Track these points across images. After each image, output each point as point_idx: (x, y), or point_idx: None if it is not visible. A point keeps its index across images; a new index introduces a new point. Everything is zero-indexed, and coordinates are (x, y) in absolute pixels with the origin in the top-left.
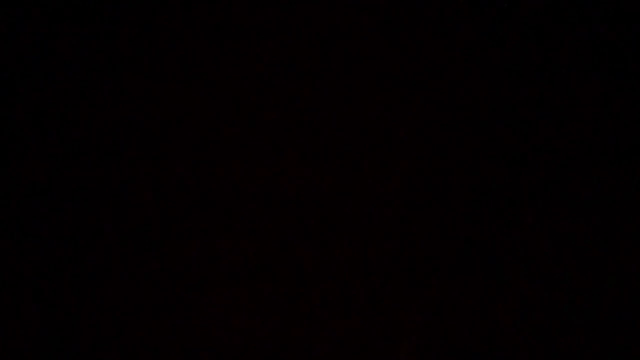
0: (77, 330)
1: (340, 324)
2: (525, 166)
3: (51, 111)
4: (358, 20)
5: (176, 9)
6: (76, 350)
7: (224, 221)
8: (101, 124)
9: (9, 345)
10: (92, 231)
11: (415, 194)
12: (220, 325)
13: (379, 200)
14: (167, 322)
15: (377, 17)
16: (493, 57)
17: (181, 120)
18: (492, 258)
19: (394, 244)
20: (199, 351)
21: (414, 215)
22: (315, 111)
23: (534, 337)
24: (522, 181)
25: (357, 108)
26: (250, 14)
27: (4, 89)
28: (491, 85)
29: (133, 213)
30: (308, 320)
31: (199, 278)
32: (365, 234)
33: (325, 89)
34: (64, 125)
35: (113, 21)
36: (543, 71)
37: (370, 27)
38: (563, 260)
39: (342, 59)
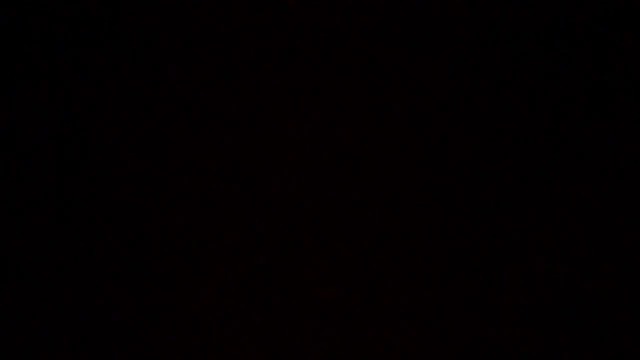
0: (74, 330)
1: (338, 324)
2: (525, 166)
3: (50, 110)
4: (358, 20)
5: (175, 9)
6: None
7: (222, 222)
8: (98, 122)
9: (8, 345)
10: (83, 230)
11: (415, 194)
12: (217, 327)
13: (379, 200)
14: (164, 323)
15: (377, 17)
16: (494, 56)
17: (179, 120)
18: (492, 258)
19: (393, 244)
20: (194, 352)
21: (413, 215)
22: (314, 111)
23: (534, 337)
24: (523, 181)
25: (357, 108)
26: (249, 13)
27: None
28: (492, 85)
29: (130, 212)
30: (306, 320)
31: (194, 279)
32: (365, 233)
33: (324, 88)
34: (63, 124)
35: (112, 21)
36: (544, 71)
37: (370, 27)
38: (563, 261)
39: (342, 59)
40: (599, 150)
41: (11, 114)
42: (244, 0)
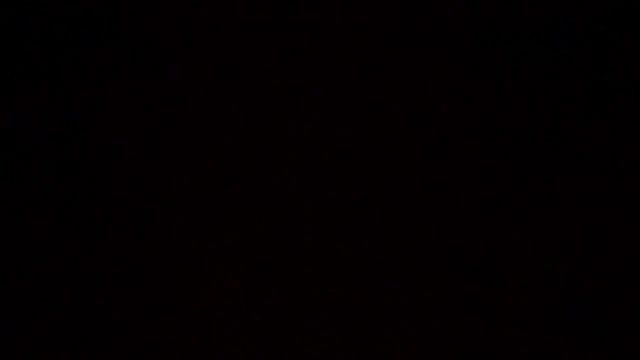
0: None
1: (338, 324)
2: (525, 166)
3: (50, 110)
4: (358, 20)
5: (175, 9)
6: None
7: (222, 222)
8: (98, 122)
9: (8, 345)
10: (83, 230)
11: (415, 194)
12: (217, 327)
13: (379, 200)
14: (164, 323)
15: (377, 17)
16: (494, 56)
17: (179, 120)
18: (492, 258)
19: (393, 244)
20: (194, 352)
21: (414, 215)
22: (314, 111)
23: (534, 337)
24: (523, 181)
25: (357, 108)
26: (249, 13)
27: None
28: (492, 85)
29: (130, 212)
30: (306, 320)
31: (195, 279)
32: (365, 233)
33: (324, 88)
34: (63, 124)
35: (112, 21)
36: (544, 71)
37: (370, 27)
38: (563, 261)
39: (342, 59)
40: (599, 150)
41: (11, 114)
42: (244, 0)
